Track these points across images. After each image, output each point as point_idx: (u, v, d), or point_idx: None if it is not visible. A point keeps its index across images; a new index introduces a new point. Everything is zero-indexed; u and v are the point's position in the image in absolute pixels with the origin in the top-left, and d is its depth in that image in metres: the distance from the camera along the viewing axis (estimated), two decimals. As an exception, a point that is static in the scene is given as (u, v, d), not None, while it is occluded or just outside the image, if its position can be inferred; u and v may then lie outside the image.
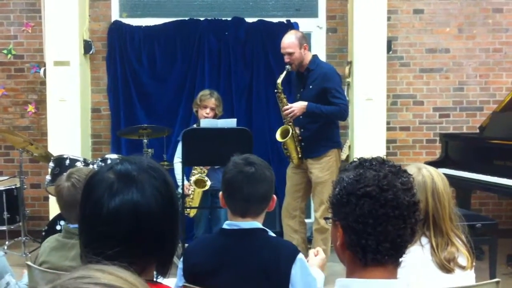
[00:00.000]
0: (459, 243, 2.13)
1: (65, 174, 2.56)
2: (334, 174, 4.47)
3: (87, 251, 1.23)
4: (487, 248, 4.32)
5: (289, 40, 4.54)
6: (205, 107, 4.86)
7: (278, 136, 4.62)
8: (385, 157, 1.45)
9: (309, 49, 4.69)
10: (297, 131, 4.64)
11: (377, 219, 1.33)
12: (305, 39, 4.65)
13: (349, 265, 1.41)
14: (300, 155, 4.63)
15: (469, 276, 2.14)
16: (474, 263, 2.14)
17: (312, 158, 4.60)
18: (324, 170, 4.56)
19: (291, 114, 4.47)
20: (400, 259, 1.39)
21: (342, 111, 4.50)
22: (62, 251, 2.41)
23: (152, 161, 1.37)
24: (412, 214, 1.36)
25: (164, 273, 1.34)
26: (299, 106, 4.47)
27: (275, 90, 4.62)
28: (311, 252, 2.44)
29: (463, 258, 2.11)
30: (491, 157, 4.92)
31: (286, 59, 4.53)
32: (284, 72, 4.53)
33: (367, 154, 1.51)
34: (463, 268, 2.10)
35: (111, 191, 1.27)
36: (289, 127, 4.57)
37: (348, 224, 1.36)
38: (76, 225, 2.36)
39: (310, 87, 4.54)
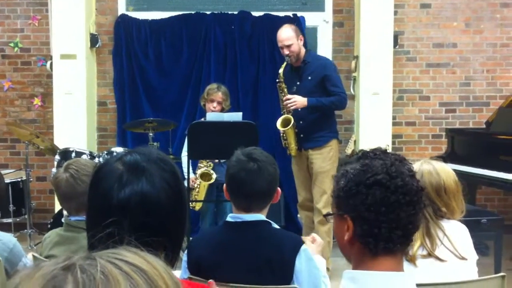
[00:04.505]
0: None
1: (62, 166, 2.52)
2: (335, 164, 4.52)
3: (95, 243, 1.23)
4: (492, 243, 4.32)
5: (286, 33, 4.58)
6: (212, 101, 4.85)
7: (279, 125, 4.62)
8: (387, 147, 1.47)
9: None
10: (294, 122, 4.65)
11: (389, 206, 1.35)
12: (300, 31, 4.74)
13: (357, 258, 1.41)
14: (297, 146, 4.64)
15: (466, 267, 2.16)
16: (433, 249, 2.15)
17: (312, 148, 4.61)
18: (326, 160, 4.57)
19: (292, 105, 4.48)
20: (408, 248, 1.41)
21: (342, 99, 4.55)
22: (65, 245, 2.40)
23: (161, 153, 1.37)
24: (420, 199, 1.39)
25: (171, 265, 1.34)
26: (301, 100, 4.48)
27: (277, 80, 4.63)
28: (307, 240, 2.35)
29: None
30: (497, 152, 4.90)
31: (286, 51, 4.54)
32: (285, 63, 4.55)
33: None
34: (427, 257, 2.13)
35: (121, 182, 1.26)
36: (291, 117, 4.57)
37: (360, 214, 1.37)
38: (78, 217, 2.38)
39: (309, 78, 4.56)
